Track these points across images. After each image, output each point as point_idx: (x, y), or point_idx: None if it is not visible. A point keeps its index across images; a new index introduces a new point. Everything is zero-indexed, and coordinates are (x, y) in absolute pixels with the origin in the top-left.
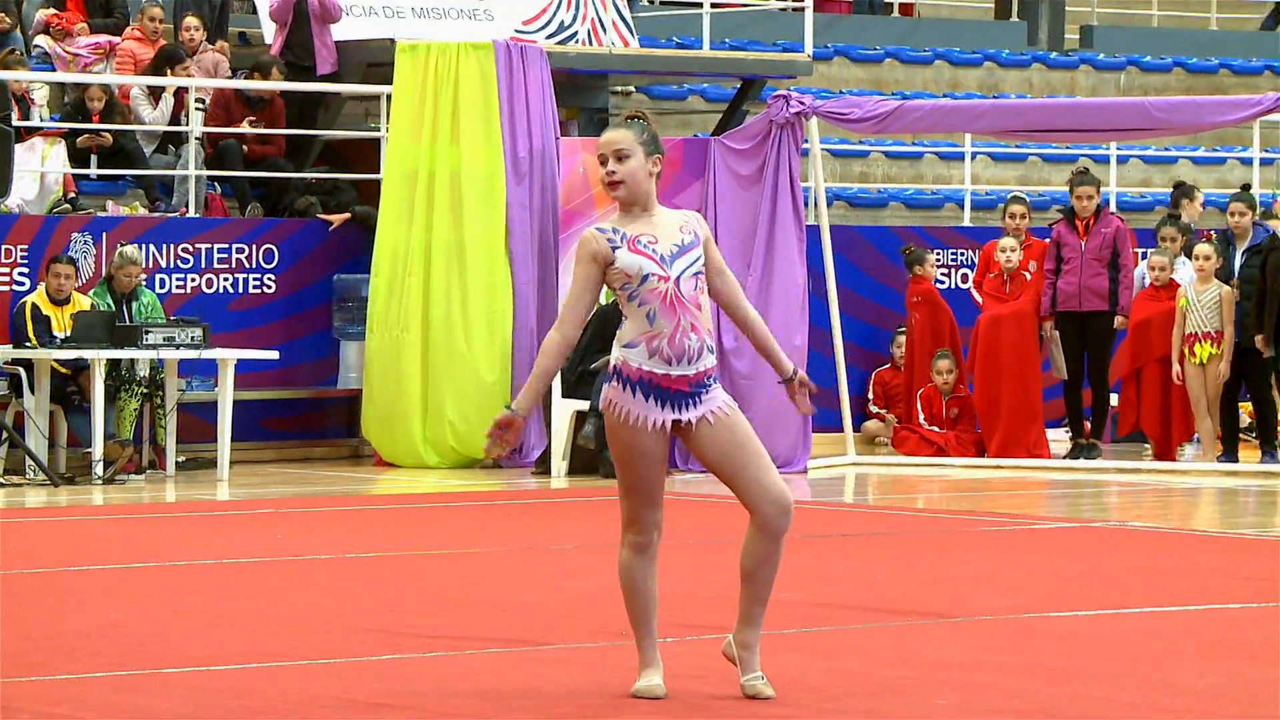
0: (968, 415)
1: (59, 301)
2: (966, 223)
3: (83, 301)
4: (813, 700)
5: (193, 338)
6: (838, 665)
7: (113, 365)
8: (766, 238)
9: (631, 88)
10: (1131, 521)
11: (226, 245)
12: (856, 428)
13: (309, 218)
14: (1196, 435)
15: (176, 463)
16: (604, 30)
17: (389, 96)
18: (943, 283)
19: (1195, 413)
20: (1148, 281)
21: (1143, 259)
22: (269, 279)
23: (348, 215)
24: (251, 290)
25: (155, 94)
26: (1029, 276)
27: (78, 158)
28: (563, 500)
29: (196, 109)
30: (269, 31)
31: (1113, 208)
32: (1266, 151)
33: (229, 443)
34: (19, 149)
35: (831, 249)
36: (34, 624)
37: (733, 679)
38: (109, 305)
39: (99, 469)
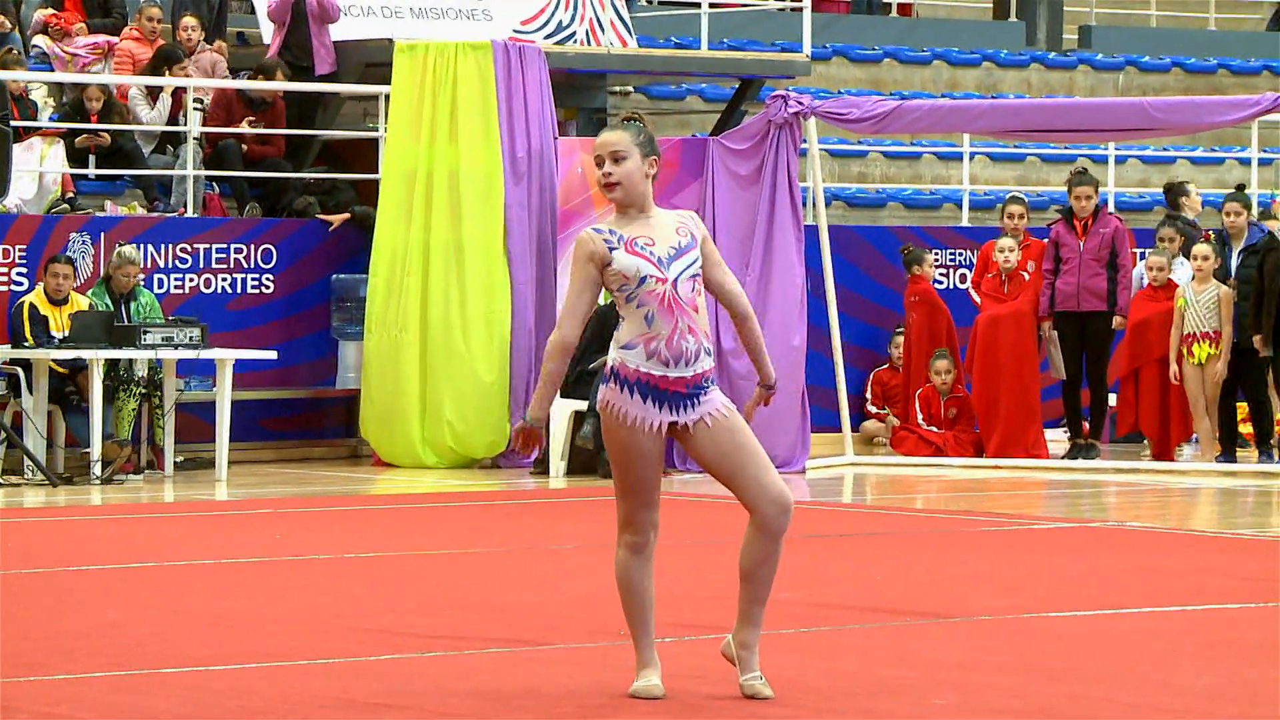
0: (966, 415)
1: (57, 301)
2: (965, 223)
3: (81, 302)
4: (811, 700)
5: (191, 338)
6: (836, 665)
7: (111, 365)
8: (765, 238)
9: (630, 88)
10: (1130, 522)
11: (225, 245)
12: (855, 428)
13: (307, 218)
14: (1195, 435)
15: (175, 463)
16: (602, 30)
17: (387, 96)
18: (941, 283)
19: (1194, 413)
20: (1146, 282)
21: (1141, 259)
22: (267, 279)
23: (347, 215)
24: (250, 290)
25: (153, 94)
26: (1027, 277)
27: (76, 158)
28: (561, 500)
29: (195, 109)
30: (267, 32)
31: (1111, 208)
32: (1265, 152)
33: (227, 443)
34: (17, 149)
35: (830, 249)
36: (33, 624)
37: (731, 679)
38: (107, 305)
39: (97, 469)
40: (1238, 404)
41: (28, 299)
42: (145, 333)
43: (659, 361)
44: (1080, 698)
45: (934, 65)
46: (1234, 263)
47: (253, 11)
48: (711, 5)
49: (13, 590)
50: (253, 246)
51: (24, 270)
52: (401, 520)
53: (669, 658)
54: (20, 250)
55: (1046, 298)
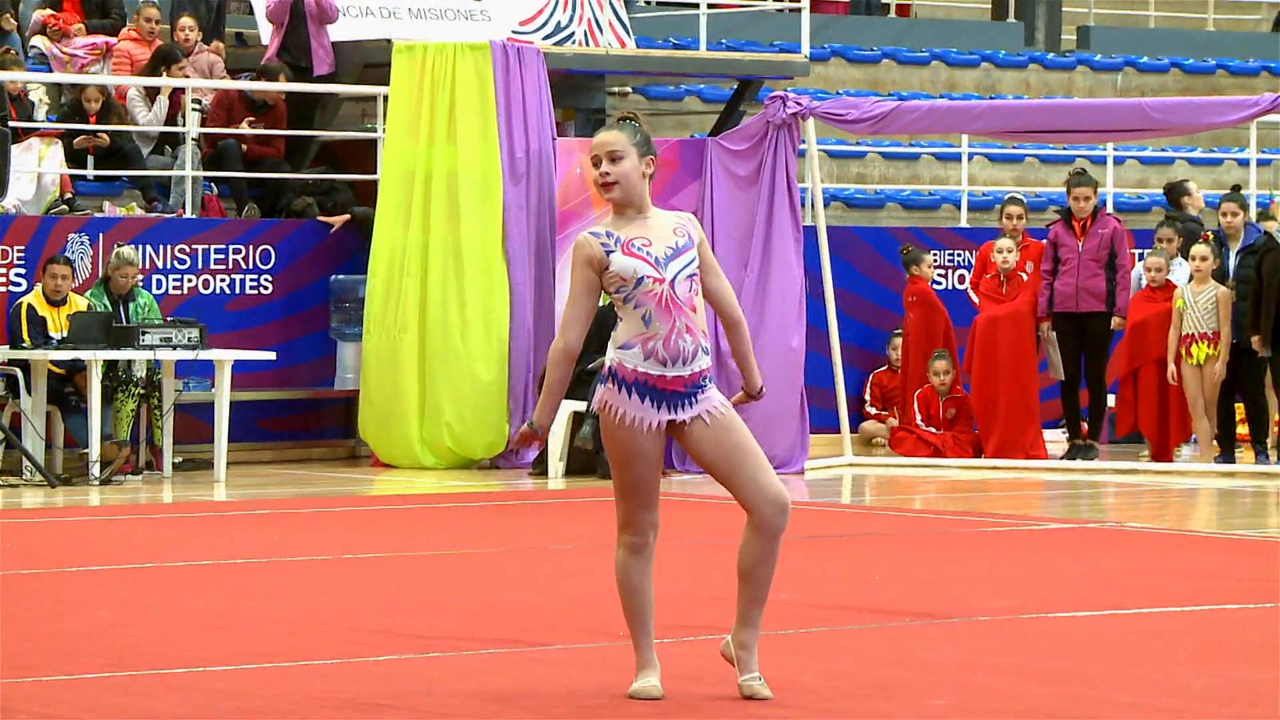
0: (965, 416)
1: (55, 302)
2: (963, 223)
3: (79, 302)
4: (810, 701)
5: (190, 338)
6: (835, 666)
7: (110, 366)
8: (764, 239)
9: (628, 88)
10: (1129, 522)
11: (223, 246)
12: (854, 428)
13: (306, 218)
14: (1194, 436)
15: (173, 463)
16: (600, 31)
17: (386, 97)
18: (940, 283)
19: (1192, 414)
20: (1144, 283)
21: (1140, 260)
22: (266, 280)
23: (348, 216)
24: (248, 291)
25: (151, 95)
26: (1025, 277)
27: (75, 159)
28: (560, 501)
29: (193, 109)
30: (265, 32)
31: (1110, 209)
32: (1263, 152)
33: (226, 443)
34: (15, 149)
35: (828, 250)
36: (32, 625)
37: (729, 680)
38: (106, 306)
39: (96, 470)
40: (1236, 404)
41: (25, 300)
42: (144, 333)
43: (656, 361)
44: (1079, 698)
45: (932, 66)
46: (1232, 263)
47: (251, 12)
48: (710, 6)
49: (12, 591)
50: (251, 247)
51: (22, 271)
52: (400, 521)
53: (668, 658)
54: (19, 251)
55: (1045, 298)
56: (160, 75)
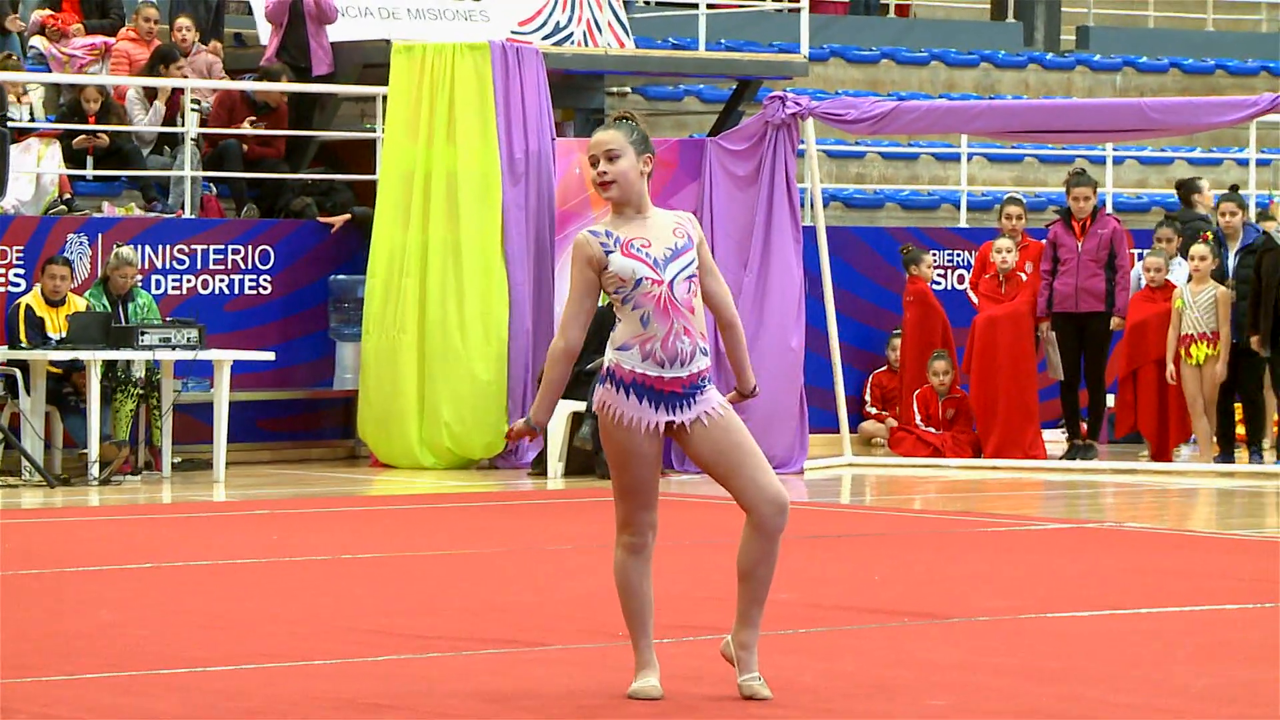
0: (964, 416)
1: (54, 303)
2: (963, 224)
3: (78, 303)
4: (809, 701)
5: (189, 339)
6: (834, 666)
7: (109, 366)
8: (763, 239)
9: (627, 89)
10: (1128, 522)
11: (222, 246)
12: (853, 429)
13: (305, 219)
14: (1193, 436)
15: (172, 464)
16: (599, 31)
17: (385, 97)
18: (939, 284)
19: (1192, 414)
20: (1144, 283)
21: (1139, 260)
22: (265, 280)
23: (348, 216)
24: (247, 291)
25: (150, 96)
26: (1025, 277)
27: (74, 159)
28: (560, 501)
29: (191, 109)
30: (264, 32)
31: (1109, 209)
32: (1263, 152)
33: (225, 444)
34: (14, 149)
35: (828, 250)
36: (31, 625)
37: (729, 680)
38: (105, 306)
39: (95, 470)
40: (1236, 404)
41: (24, 300)
42: (143, 334)
43: (654, 362)
44: (1078, 698)
45: (931, 66)
46: (1231, 263)
47: (250, 12)
48: (709, 6)
49: (11, 591)
50: (250, 247)
51: (21, 271)
52: (399, 521)
53: (667, 659)
54: (18, 251)
55: (1044, 298)
56: (159, 75)
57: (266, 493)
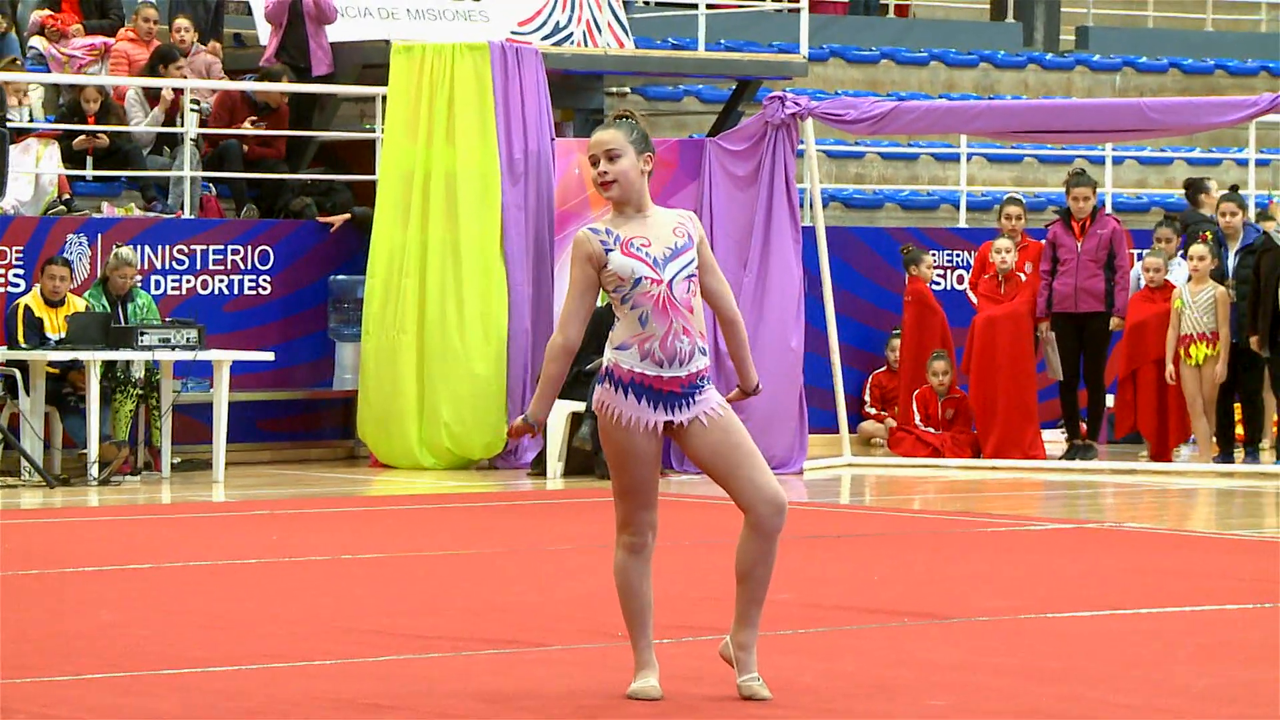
0: (964, 416)
1: (54, 303)
2: (962, 224)
3: (78, 303)
4: (809, 701)
5: (188, 339)
6: (834, 666)
7: (108, 366)
8: (762, 239)
9: (627, 89)
10: (1127, 523)
11: (222, 247)
12: (852, 429)
13: (305, 219)
14: (1193, 437)
15: (172, 464)
16: (599, 31)
17: (384, 98)
18: (939, 284)
19: (1191, 414)
20: (1143, 283)
21: (1139, 260)
22: (264, 280)
23: (347, 216)
24: (247, 291)
25: (152, 100)
26: (1024, 278)
27: (73, 159)
28: (559, 501)
29: (191, 110)
30: (264, 33)
31: (1109, 209)
32: (1262, 152)
33: (224, 444)
34: (13, 150)
35: (827, 250)
36: (30, 625)
37: (728, 681)
38: (104, 307)
39: (94, 470)
40: (1236, 404)
41: (23, 301)
42: (142, 334)
43: (653, 362)
44: (1078, 698)
45: (931, 66)
46: (1230, 263)
47: (249, 12)
48: (709, 6)
49: (11, 591)
50: (250, 248)
51: (21, 272)
52: (399, 521)
53: (667, 659)
54: (17, 252)
55: (1044, 299)
56: (158, 75)
57: (266, 493)
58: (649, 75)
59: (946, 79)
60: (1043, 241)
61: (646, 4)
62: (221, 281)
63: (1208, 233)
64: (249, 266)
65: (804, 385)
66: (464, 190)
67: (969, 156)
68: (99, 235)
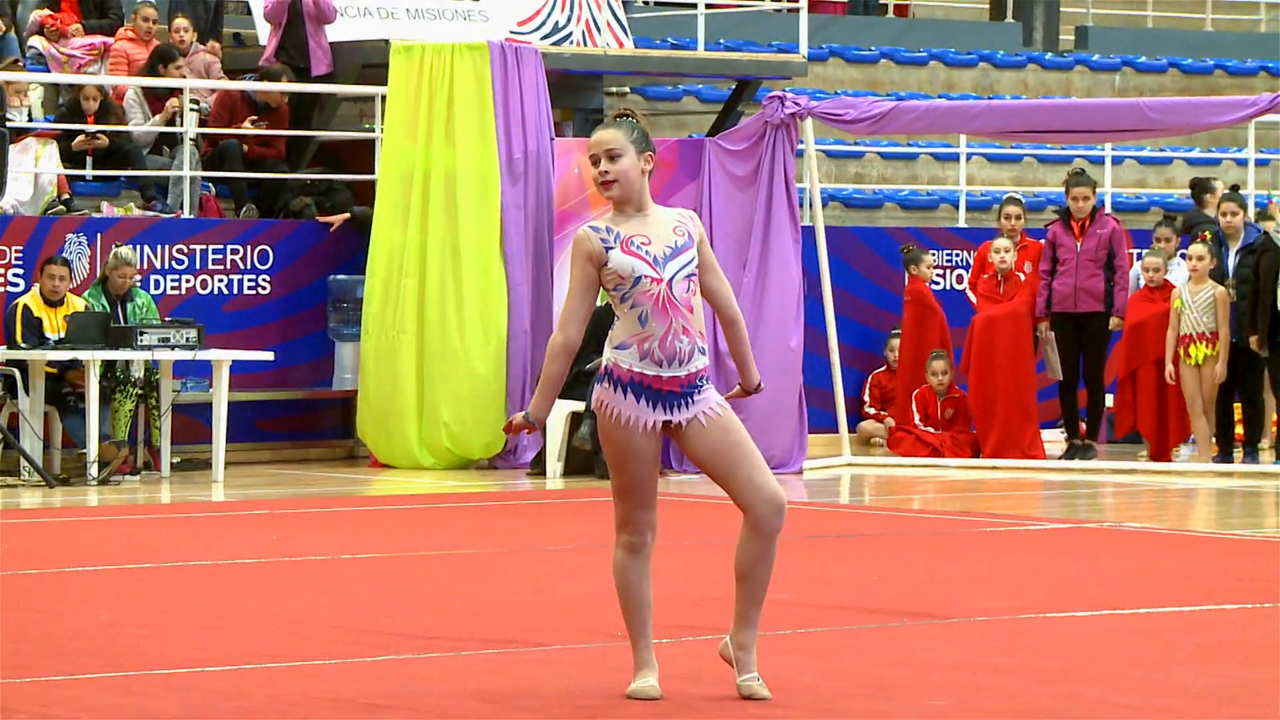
0: (963, 416)
1: (53, 303)
2: (961, 224)
3: (77, 303)
4: (808, 701)
5: (188, 339)
6: (833, 666)
7: (108, 366)
8: (762, 239)
9: (626, 89)
10: (1127, 522)
11: (221, 246)
12: (852, 429)
13: (304, 219)
14: (1192, 436)
15: (171, 464)
16: (598, 31)
17: (384, 97)
18: (938, 283)
19: (1191, 414)
20: (1143, 283)
21: (1138, 260)
22: (264, 280)
23: (347, 216)
24: (246, 291)
25: (153, 106)
26: (1023, 277)
27: (73, 159)
28: (559, 501)
29: (190, 110)
30: (263, 32)
31: (1108, 209)
32: (1261, 152)
33: (224, 444)
34: (12, 150)
35: (827, 250)
36: (30, 625)
37: (728, 680)
38: (104, 306)
39: (94, 470)
40: (1236, 404)
41: (22, 300)
42: (142, 334)
43: (652, 362)
44: (1078, 698)
45: (930, 66)
46: (1231, 263)
47: (249, 12)
48: (708, 6)
49: (10, 591)
50: (249, 248)
51: (20, 272)
52: (399, 521)
53: (666, 659)
54: (17, 251)
55: (1043, 298)
56: (158, 75)
57: (265, 493)
58: (648, 75)
59: (946, 79)
60: (1042, 241)
61: (646, 4)
62: (221, 281)
63: (1206, 233)
64: (248, 266)
65: (803, 385)
66: (463, 190)
67: (968, 156)
68: (98, 235)
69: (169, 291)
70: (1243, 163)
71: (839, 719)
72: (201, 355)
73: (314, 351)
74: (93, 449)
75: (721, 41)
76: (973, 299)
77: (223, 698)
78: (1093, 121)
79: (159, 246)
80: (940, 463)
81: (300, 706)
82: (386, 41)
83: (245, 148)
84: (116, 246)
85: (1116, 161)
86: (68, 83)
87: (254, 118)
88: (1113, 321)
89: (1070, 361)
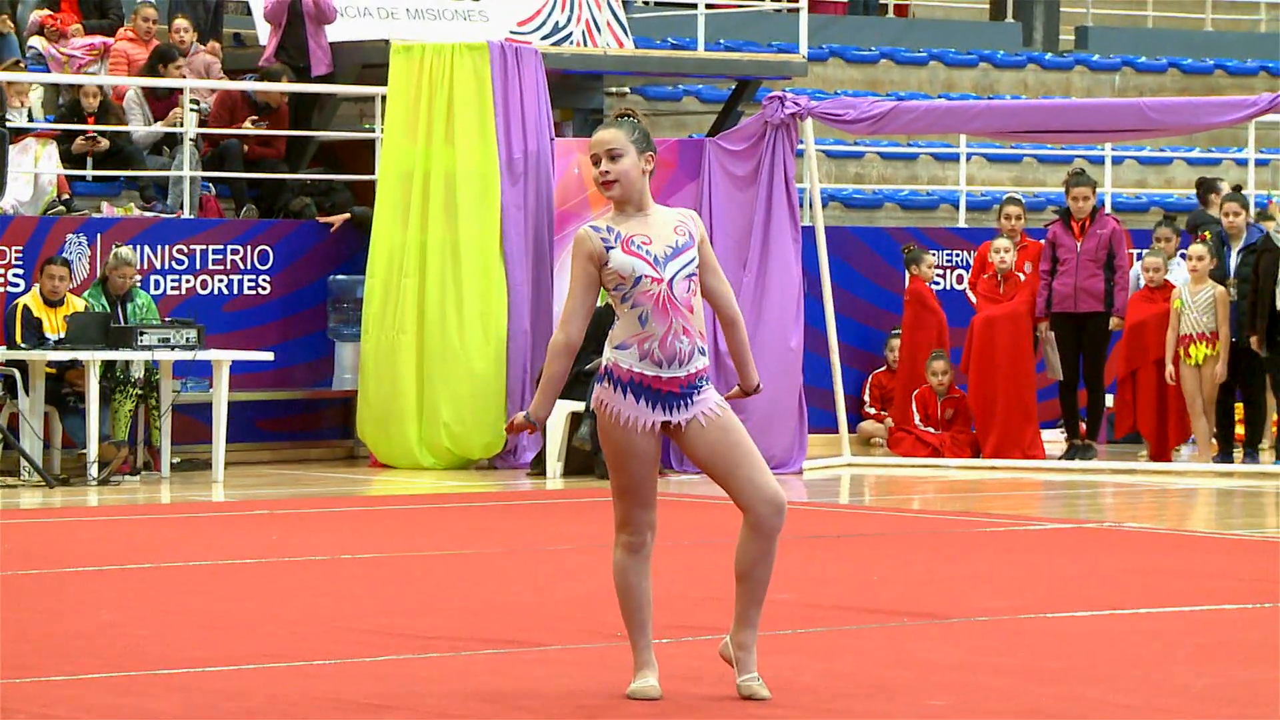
0: (963, 416)
1: (53, 303)
2: (961, 224)
3: (77, 303)
4: (808, 701)
5: (188, 339)
6: (833, 666)
7: (107, 366)
8: (762, 239)
9: (626, 89)
10: (1127, 523)
11: (221, 246)
12: (852, 429)
13: (304, 219)
14: (1192, 436)
15: (171, 464)
16: (598, 31)
17: (384, 97)
18: (938, 283)
19: (1191, 414)
20: (1143, 283)
21: (1138, 260)
22: (264, 280)
23: (347, 216)
24: (246, 291)
25: (155, 110)
26: (1023, 277)
27: (73, 159)
28: (559, 501)
29: (190, 110)
30: (263, 32)
31: (1108, 209)
32: (1261, 152)
33: (224, 444)
34: (11, 150)
35: (826, 250)
36: (30, 625)
37: (728, 680)
38: (104, 307)
39: (94, 470)
40: (1236, 404)
41: (22, 301)
42: (142, 334)
43: (652, 362)
44: (1078, 698)
45: (930, 66)
46: (1233, 262)
47: (249, 12)
48: (708, 6)
49: (10, 591)
50: (249, 248)
51: (20, 272)
52: (399, 521)
53: (666, 659)
54: (17, 252)
55: (1043, 298)
56: (158, 75)
57: (265, 493)
58: (648, 75)
59: (946, 79)
60: (1042, 241)
61: (646, 4)
62: (221, 281)
63: (1206, 233)
64: (248, 266)
65: (803, 385)
66: (463, 190)
67: (968, 156)
68: (98, 235)
69: (169, 292)
70: (1243, 163)
71: (839, 719)
72: (201, 355)
73: (314, 351)
74: (93, 449)
75: (721, 41)
76: (973, 299)
77: (223, 698)
78: (1093, 121)
79: (159, 246)
80: (940, 463)
81: (300, 706)
82: (386, 41)
83: (245, 148)
84: (116, 246)
85: (1116, 161)
86: (68, 83)
87: (254, 118)
88: (1113, 321)
89: (1070, 361)
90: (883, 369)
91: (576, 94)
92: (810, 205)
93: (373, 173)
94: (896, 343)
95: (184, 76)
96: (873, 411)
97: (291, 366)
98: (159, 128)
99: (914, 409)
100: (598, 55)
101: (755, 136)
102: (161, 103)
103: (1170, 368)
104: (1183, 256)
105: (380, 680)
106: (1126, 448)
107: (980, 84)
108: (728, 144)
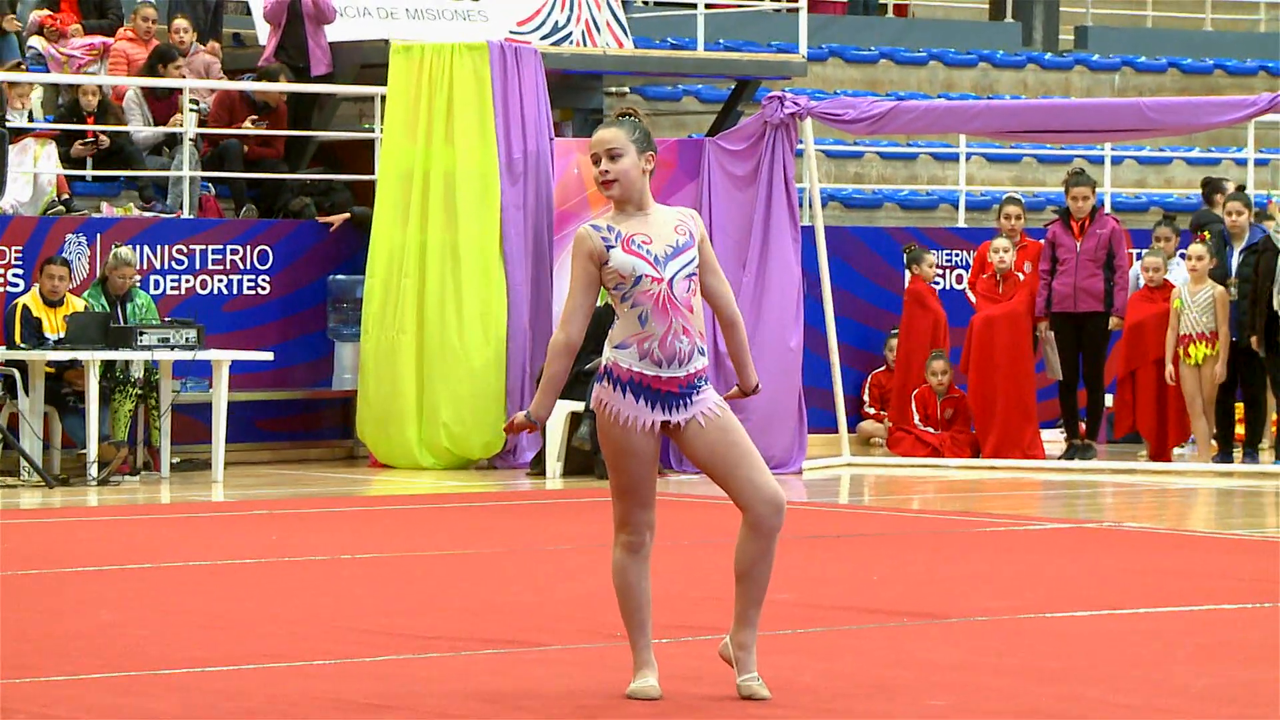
0: (962, 416)
1: (53, 303)
2: (961, 224)
3: (77, 303)
4: (808, 701)
5: (187, 339)
6: (833, 666)
7: (107, 366)
8: (761, 239)
9: (626, 89)
10: (1127, 522)
11: (221, 246)
12: (851, 429)
13: (304, 219)
14: (1192, 436)
15: (171, 464)
16: (598, 31)
17: (383, 97)
18: (938, 283)
19: (1190, 414)
20: (1142, 283)
21: (1138, 260)
22: (264, 280)
23: (346, 216)
24: (246, 291)
25: (155, 113)
26: (1022, 277)
27: (72, 159)
28: (558, 501)
29: (190, 110)
30: (263, 32)
31: (1108, 209)
32: (1261, 152)
33: (224, 444)
34: (11, 150)
35: (826, 250)
36: (29, 625)
37: (727, 680)
38: (104, 307)
39: (94, 470)
40: (1236, 404)
41: (21, 300)
42: (141, 334)
43: (652, 362)
44: (1078, 698)
45: (930, 66)
46: (1234, 262)
47: (248, 12)
48: (707, 6)
49: (10, 592)
50: (249, 248)
51: (20, 272)
52: (398, 521)
53: (666, 659)
54: (16, 252)
55: (1043, 298)
56: (157, 75)
57: (265, 493)
58: (648, 75)
59: (945, 79)
60: (1041, 241)
61: (646, 4)
62: (220, 281)
63: (1206, 232)
64: (248, 266)
65: (803, 385)
66: (463, 190)
67: (968, 156)
68: (98, 235)
69: (169, 291)
70: (1242, 163)
71: (839, 719)
72: (201, 355)
73: (314, 351)
74: (92, 449)
75: (721, 41)
76: (972, 299)
77: (223, 698)
78: (1092, 121)
79: (159, 246)
80: (940, 463)
81: (300, 706)
82: (386, 41)
83: (245, 148)
84: (116, 246)
85: (1116, 161)
86: (68, 83)
87: (254, 118)
88: (1112, 321)
89: (1070, 361)
90: (882, 369)
91: (576, 94)
92: (810, 205)
93: (372, 173)
94: (895, 342)
95: (183, 76)
96: (872, 411)
97: (291, 366)
98: (158, 132)
99: (914, 409)
100: (597, 55)
101: (755, 136)
102: (161, 103)
103: (1170, 368)
104: (1182, 256)
105: (380, 680)
106: (1126, 448)
107: (980, 84)
108: (727, 144)
